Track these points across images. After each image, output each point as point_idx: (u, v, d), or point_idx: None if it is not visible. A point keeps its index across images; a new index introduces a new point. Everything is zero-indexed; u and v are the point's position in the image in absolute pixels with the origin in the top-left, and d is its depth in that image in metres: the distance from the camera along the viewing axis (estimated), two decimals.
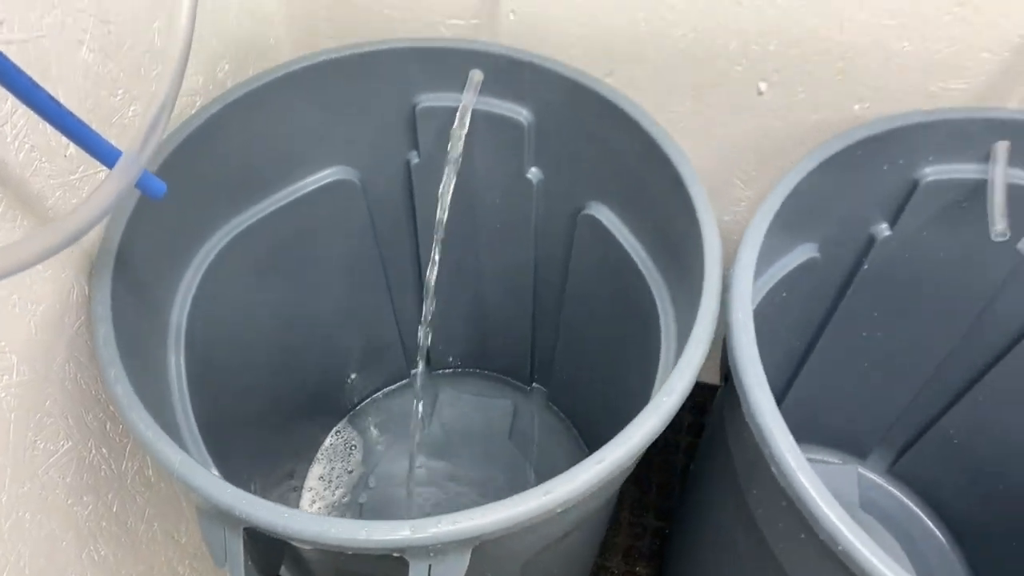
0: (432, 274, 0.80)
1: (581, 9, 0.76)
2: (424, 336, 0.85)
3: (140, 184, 0.48)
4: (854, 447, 1.07)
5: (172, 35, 0.45)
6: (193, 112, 0.69)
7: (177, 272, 0.71)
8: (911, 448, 1.01)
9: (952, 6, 0.66)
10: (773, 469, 0.49)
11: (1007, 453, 0.91)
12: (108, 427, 0.68)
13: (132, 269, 0.62)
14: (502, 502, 0.48)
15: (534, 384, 1.15)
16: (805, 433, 1.06)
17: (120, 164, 0.42)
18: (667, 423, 0.51)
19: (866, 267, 0.79)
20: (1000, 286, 0.78)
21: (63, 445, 0.62)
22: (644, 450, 0.52)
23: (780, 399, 0.99)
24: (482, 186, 0.85)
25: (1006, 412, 0.89)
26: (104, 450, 0.68)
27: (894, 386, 0.95)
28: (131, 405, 0.53)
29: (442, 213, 0.76)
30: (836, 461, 1.08)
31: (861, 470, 1.06)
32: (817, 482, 0.48)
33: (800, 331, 0.89)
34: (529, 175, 0.82)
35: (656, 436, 0.51)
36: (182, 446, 0.52)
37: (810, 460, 1.07)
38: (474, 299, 1.02)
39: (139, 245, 0.62)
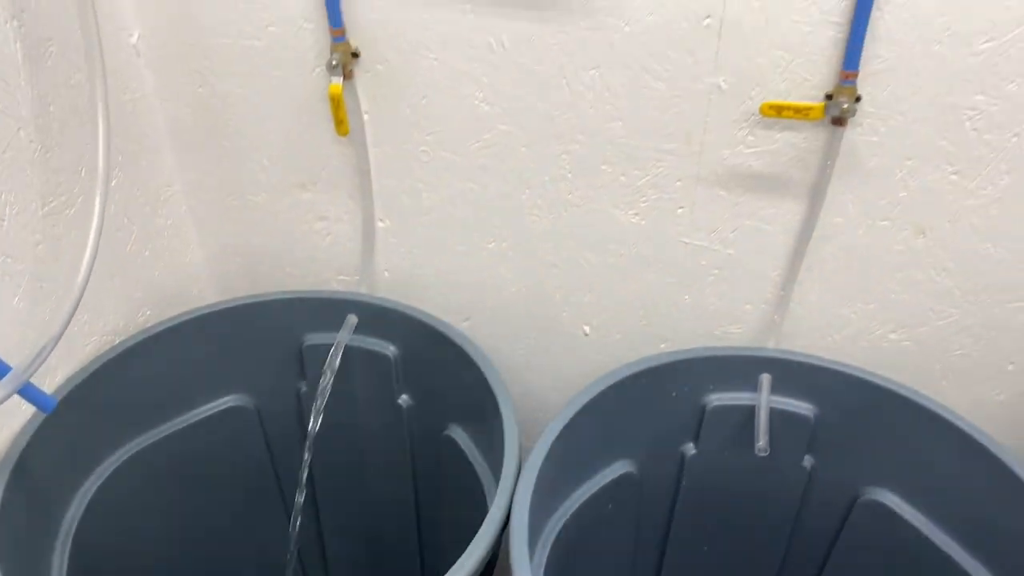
0: (300, 497, 0.91)
1: (438, 269, 0.95)
2: (292, 555, 0.94)
3: (30, 398, 0.62)
4: None
5: (69, 289, 0.62)
6: (109, 348, 0.85)
7: (76, 481, 0.82)
8: None
9: (712, 268, 0.85)
10: None
11: None
12: None
13: (32, 475, 0.74)
14: None
15: None
16: None
17: (7, 377, 0.57)
18: None
19: (684, 483, 0.91)
20: (800, 499, 0.89)
21: None
22: None
23: None
24: (361, 412, 0.99)
25: None
26: None
27: None
28: None
29: (313, 430, 0.89)
30: None
31: None
32: None
33: (646, 544, 0.98)
34: (400, 401, 0.97)
35: None
36: None
37: None
38: (364, 520, 1.12)
39: (41, 455, 0.75)
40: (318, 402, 0.89)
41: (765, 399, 0.82)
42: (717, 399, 0.85)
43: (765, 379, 0.83)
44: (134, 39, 0.85)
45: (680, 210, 0.82)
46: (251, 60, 0.85)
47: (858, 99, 0.70)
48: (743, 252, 0.83)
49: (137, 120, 0.88)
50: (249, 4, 0.81)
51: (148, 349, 0.87)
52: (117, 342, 0.87)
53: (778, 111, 0.70)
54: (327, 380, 0.90)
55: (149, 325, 0.90)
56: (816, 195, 0.77)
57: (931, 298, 0.80)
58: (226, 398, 0.97)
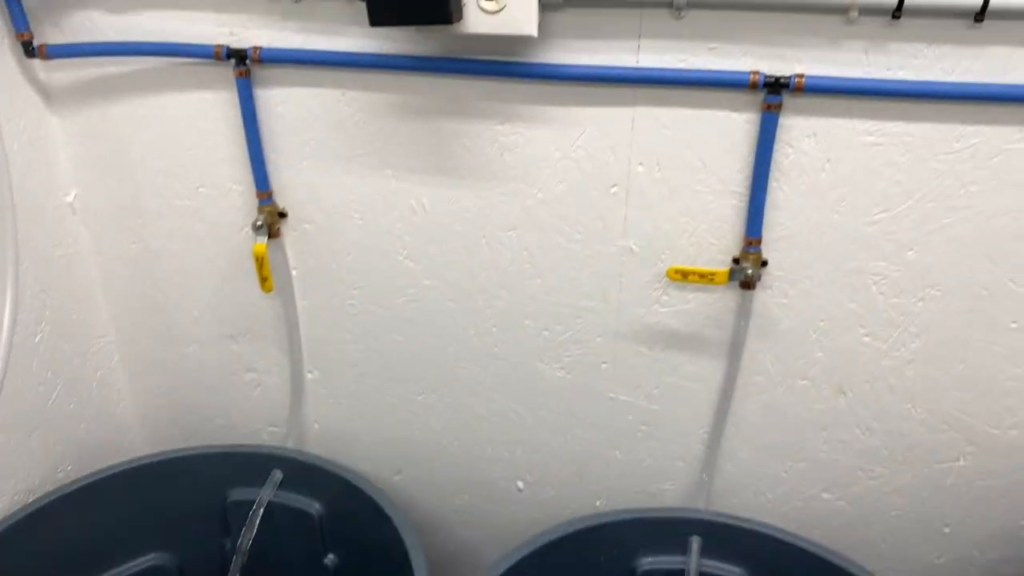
0: None
1: (369, 420, 0.94)
2: None
3: None
4: None
5: None
6: (20, 507, 0.83)
7: None
8: None
9: (639, 425, 0.84)
10: None
11: None
12: None
13: None
14: None
15: None
16: None
17: None
18: None
19: None
20: None
21: None
22: None
23: None
24: (287, 572, 0.95)
25: None
26: None
27: None
28: None
29: None
30: None
31: None
32: None
33: None
34: (327, 561, 0.93)
35: None
36: None
37: None
38: None
39: None
40: (238, 561, 0.86)
41: (694, 565, 0.79)
42: (648, 563, 0.82)
43: (695, 543, 0.80)
44: (70, 198, 0.87)
45: (604, 365, 0.81)
46: (183, 219, 0.87)
47: (764, 263, 0.71)
48: (668, 408, 0.82)
49: (70, 275, 0.89)
50: (181, 167, 0.84)
51: (62, 508, 0.85)
52: (30, 500, 0.85)
53: (684, 276, 0.71)
54: (247, 539, 0.87)
55: (68, 481, 0.88)
56: (734, 354, 0.76)
57: (859, 457, 0.79)
58: (147, 556, 0.93)
